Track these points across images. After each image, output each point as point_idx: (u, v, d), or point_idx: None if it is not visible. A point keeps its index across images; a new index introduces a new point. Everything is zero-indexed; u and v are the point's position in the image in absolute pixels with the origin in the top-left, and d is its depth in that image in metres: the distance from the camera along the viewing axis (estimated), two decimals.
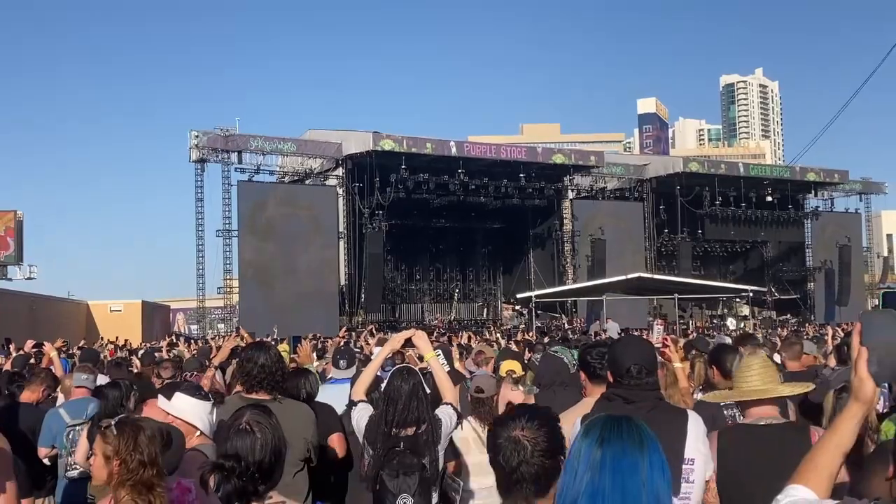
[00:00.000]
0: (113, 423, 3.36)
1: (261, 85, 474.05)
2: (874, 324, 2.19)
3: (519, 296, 38.73)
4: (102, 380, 7.56)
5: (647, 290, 36.83)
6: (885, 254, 66.50)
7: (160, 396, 4.56)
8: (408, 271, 46.11)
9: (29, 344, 11.49)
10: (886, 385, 2.20)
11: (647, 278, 36.00)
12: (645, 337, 13.37)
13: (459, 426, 4.96)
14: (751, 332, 23.05)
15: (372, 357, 10.13)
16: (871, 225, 55.69)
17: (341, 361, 7.24)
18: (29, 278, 38.83)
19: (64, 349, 14.07)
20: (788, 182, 47.70)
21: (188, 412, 4.27)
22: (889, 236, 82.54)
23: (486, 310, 48.26)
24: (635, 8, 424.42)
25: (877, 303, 39.25)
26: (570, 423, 3.36)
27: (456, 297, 47.93)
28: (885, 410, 4.34)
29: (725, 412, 4.96)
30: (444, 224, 44.19)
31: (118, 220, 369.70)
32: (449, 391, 4.80)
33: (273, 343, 7.04)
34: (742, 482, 3.79)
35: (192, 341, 25.00)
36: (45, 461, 6.67)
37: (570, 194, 44.04)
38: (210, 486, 3.03)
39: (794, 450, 3.30)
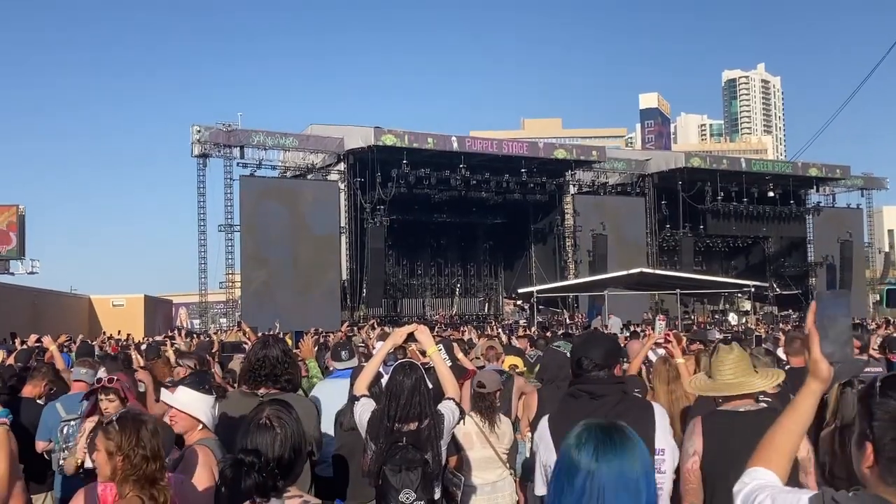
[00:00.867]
0: (114, 417, 3.35)
1: (263, 80, 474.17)
2: (825, 304, 2.23)
3: (520, 291, 38.72)
4: (103, 374, 7.54)
5: (649, 286, 36.84)
6: (887, 249, 66.50)
7: (163, 390, 4.55)
8: (409, 266, 46.14)
9: (32, 338, 11.50)
10: None
11: (648, 273, 36.01)
12: (647, 332, 13.37)
13: (462, 421, 4.95)
14: (752, 328, 23.08)
15: (374, 352, 10.17)
16: (872, 220, 55.65)
17: (342, 353, 7.24)
18: (31, 273, 38.84)
19: (66, 344, 14.04)
20: (790, 177, 47.63)
21: (191, 406, 4.26)
22: (890, 232, 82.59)
23: (487, 305, 48.27)
24: (637, 3, 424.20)
25: (878, 298, 39.24)
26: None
27: (457, 292, 47.95)
28: None
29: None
30: (445, 219, 44.17)
31: (120, 215, 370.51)
32: (451, 386, 4.79)
33: (282, 339, 7.00)
34: (724, 466, 3.81)
35: (195, 336, 24.99)
36: (45, 455, 6.65)
37: (572, 189, 44.04)
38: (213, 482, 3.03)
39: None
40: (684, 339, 8.97)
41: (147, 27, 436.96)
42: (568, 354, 6.34)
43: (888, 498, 1.91)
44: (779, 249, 51.08)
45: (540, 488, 4.00)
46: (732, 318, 36.94)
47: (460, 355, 9.39)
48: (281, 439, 3.10)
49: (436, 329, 24.98)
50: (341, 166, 38.56)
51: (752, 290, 36.92)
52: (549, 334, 17.24)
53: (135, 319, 40.38)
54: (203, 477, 3.88)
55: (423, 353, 5.60)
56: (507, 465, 6.34)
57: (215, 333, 26.34)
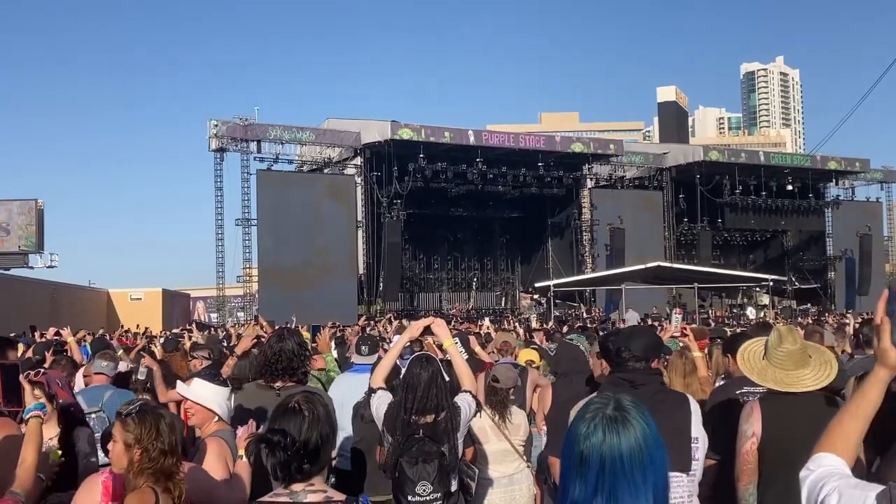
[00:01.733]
0: (133, 409, 3.36)
1: (280, 74, 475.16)
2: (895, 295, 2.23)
3: (537, 285, 38.66)
4: (123, 367, 7.59)
5: (667, 280, 36.70)
6: None
7: (178, 382, 4.58)
8: (426, 260, 46.14)
9: (51, 331, 11.56)
10: None
11: (666, 267, 35.86)
12: (663, 325, 13.34)
13: (478, 414, 4.95)
14: (770, 321, 22.95)
15: (391, 345, 10.19)
16: (892, 214, 55.15)
17: (363, 347, 7.26)
18: (50, 266, 39.06)
19: (83, 339, 14.14)
20: (809, 171, 47.32)
21: (206, 398, 4.28)
22: None
23: (504, 299, 48.22)
24: None
25: None
26: None
27: (474, 286, 47.93)
28: None
29: (742, 399, 4.95)
30: (462, 213, 44.17)
31: (138, 209, 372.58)
32: (468, 379, 4.80)
33: (296, 331, 7.02)
34: (780, 448, 4.00)
35: (211, 329, 25.10)
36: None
37: (589, 183, 43.87)
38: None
39: (825, 414, 3.51)
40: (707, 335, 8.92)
41: (164, 23, 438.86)
42: (581, 348, 6.35)
43: None
44: (797, 243, 50.79)
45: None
46: (750, 311, 36.71)
47: (477, 348, 9.40)
48: (309, 422, 3.11)
49: (452, 323, 25.01)
50: (358, 160, 38.57)
51: (771, 283, 36.76)
52: (566, 328, 17.23)
53: (153, 313, 40.56)
54: (218, 468, 3.89)
55: (440, 347, 5.60)
56: (524, 457, 6.34)
57: (232, 327, 26.50)
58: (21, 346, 10.81)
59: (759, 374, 4.26)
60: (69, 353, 9.18)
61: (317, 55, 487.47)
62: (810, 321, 22.55)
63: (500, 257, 48.76)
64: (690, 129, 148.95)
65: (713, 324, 23.37)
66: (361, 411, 6.00)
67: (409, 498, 4.28)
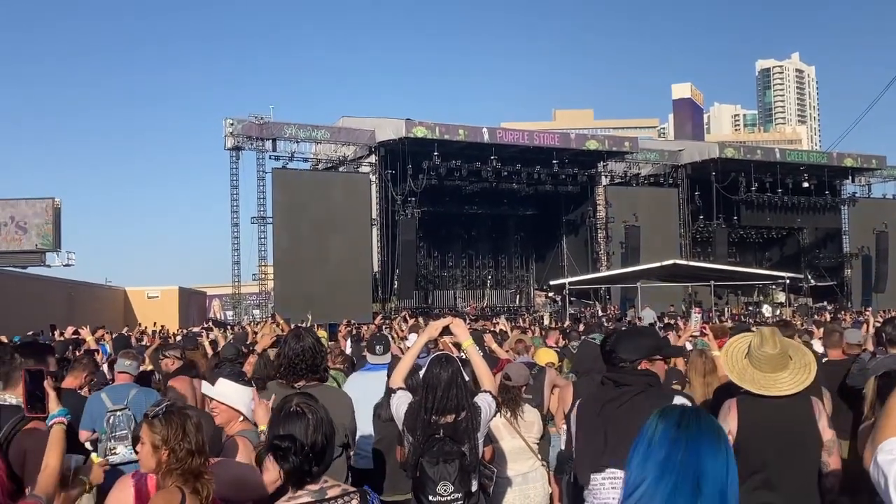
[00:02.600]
0: (160, 410, 3.39)
1: (295, 73, 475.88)
2: None
3: (552, 282, 38.58)
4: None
5: (682, 277, 36.56)
6: None
7: (203, 382, 4.60)
8: (440, 258, 46.15)
9: (70, 330, 11.63)
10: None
11: (682, 265, 35.73)
12: (681, 325, 13.31)
13: (498, 413, 4.97)
14: (786, 319, 22.86)
15: (406, 344, 10.20)
16: None
17: (377, 347, 7.28)
18: (67, 265, 39.27)
19: (102, 338, 14.22)
20: (825, 168, 46.99)
21: (232, 397, 4.31)
22: None
23: (518, 297, 48.17)
24: None
25: None
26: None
27: (488, 284, 47.91)
28: None
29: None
30: (476, 211, 44.15)
31: (155, 208, 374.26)
32: (487, 379, 4.81)
33: (312, 329, 7.05)
34: (758, 444, 4.21)
35: (228, 327, 25.20)
36: (87, 445, 6.74)
37: (604, 180, 43.77)
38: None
39: (802, 415, 4.27)
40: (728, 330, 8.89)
41: (180, 22, 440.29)
42: None
43: None
44: (813, 240, 50.48)
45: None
46: (766, 309, 36.54)
47: (494, 346, 9.40)
48: (313, 425, 3.15)
49: (467, 321, 25.02)
50: (373, 158, 38.59)
51: (787, 281, 36.56)
52: (581, 327, 17.19)
53: (169, 311, 40.76)
54: (245, 467, 3.91)
55: (458, 347, 5.62)
56: (539, 455, 6.34)
57: (248, 325, 26.60)
58: None
59: (738, 373, 4.38)
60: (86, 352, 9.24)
61: (331, 53, 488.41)
62: (829, 319, 22.44)
63: (515, 255, 48.70)
64: (706, 126, 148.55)
65: (730, 322, 23.26)
66: (379, 411, 6.02)
67: (430, 498, 4.29)
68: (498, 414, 4.96)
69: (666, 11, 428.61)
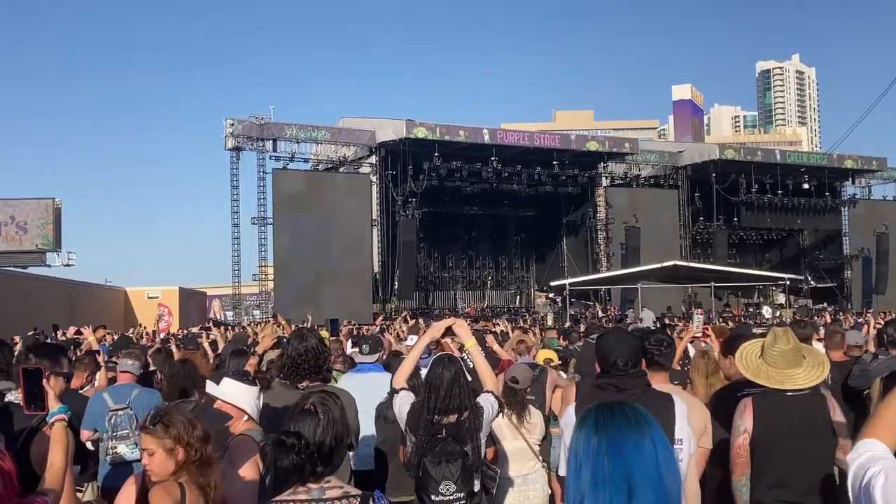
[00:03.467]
0: (156, 418, 3.38)
1: (295, 73, 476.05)
2: None
3: (552, 283, 38.57)
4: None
5: (683, 278, 36.55)
6: None
7: (208, 381, 4.61)
8: (441, 259, 46.16)
9: (71, 330, 11.62)
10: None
11: (682, 266, 35.71)
12: (682, 326, 13.30)
13: (501, 414, 4.97)
14: (786, 321, 22.84)
15: (406, 344, 10.20)
16: None
17: (364, 346, 7.32)
18: (67, 265, 39.24)
19: (104, 338, 14.21)
20: (825, 169, 46.99)
21: (237, 397, 4.31)
22: None
23: (518, 297, 48.19)
24: None
25: None
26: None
27: (489, 285, 47.91)
28: None
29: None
30: (476, 212, 44.16)
31: (155, 208, 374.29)
32: (489, 379, 4.82)
33: (314, 329, 7.04)
34: (773, 442, 4.28)
35: (229, 327, 25.17)
36: (88, 445, 6.75)
37: (604, 182, 43.76)
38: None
39: (816, 414, 4.33)
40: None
41: (180, 23, 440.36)
42: None
43: None
44: (814, 242, 50.48)
45: (562, 470, 4.26)
46: (766, 311, 36.57)
47: (496, 346, 9.41)
48: (323, 425, 3.14)
49: (467, 322, 25.01)
50: (373, 159, 38.59)
51: (787, 282, 36.55)
52: (582, 328, 17.19)
53: (169, 311, 40.73)
54: (249, 467, 3.92)
55: (461, 348, 5.62)
56: (540, 457, 6.34)
57: (249, 325, 26.58)
58: None
59: (753, 372, 4.46)
60: (84, 348, 9.24)
61: (331, 54, 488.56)
62: (830, 321, 22.43)
63: (515, 256, 48.71)
64: (706, 128, 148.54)
65: (731, 323, 23.24)
66: (384, 412, 6.01)
67: (433, 497, 4.30)
68: (500, 415, 4.96)
69: (666, 13, 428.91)
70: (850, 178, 50.09)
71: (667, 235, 42.98)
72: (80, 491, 6.49)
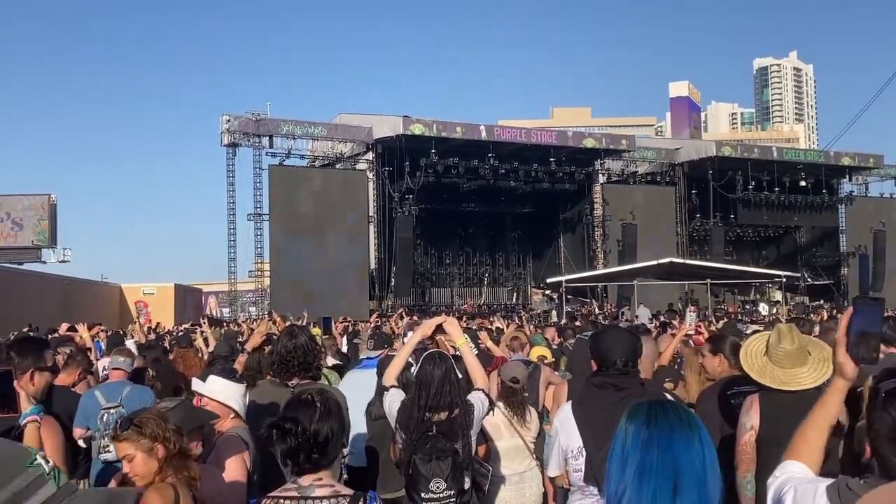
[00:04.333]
0: (126, 423, 3.35)
1: (292, 70, 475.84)
2: (860, 311, 2.45)
3: (549, 280, 38.58)
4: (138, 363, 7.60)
5: (679, 275, 36.56)
6: None
7: (194, 379, 4.58)
8: (437, 255, 46.17)
9: (64, 327, 11.57)
10: None
11: (678, 263, 35.72)
12: (677, 324, 13.26)
13: (491, 412, 4.95)
14: (782, 318, 22.82)
15: (404, 341, 10.17)
16: None
17: (370, 342, 7.32)
18: (63, 261, 39.21)
19: (97, 335, 14.17)
20: (822, 166, 47.06)
21: (223, 394, 4.29)
22: None
23: (515, 294, 48.21)
24: None
25: None
26: None
27: (485, 282, 47.92)
28: None
29: (732, 401, 4.99)
30: (473, 208, 44.15)
31: (151, 204, 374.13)
32: (480, 377, 4.80)
33: (305, 327, 7.03)
34: (780, 439, 4.10)
35: (224, 324, 25.14)
36: (80, 443, 6.71)
37: (601, 178, 43.80)
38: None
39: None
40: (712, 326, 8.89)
41: (177, 18, 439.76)
42: None
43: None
44: (810, 239, 50.53)
45: (553, 470, 4.37)
46: (763, 308, 36.51)
47: (489, 343, 9.38)
48: (321, 414, 3.13)
49: (464, 318, 25.00)
50: (370, 155, 38.57)
51: (784, 280, 36.54)
52: (577, 324, 17.16)
53: (165, 308, 40.72)
54: (236, 464, 3.90)
55: (452, 345, 5.60)
56: (535, 455, 6.33)
57: (244, 322, 26.54)
58: None
59: (758, 370, 4.41)
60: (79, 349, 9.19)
61: (328, 50, 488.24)
62: (826, 318, 22.40)
63: (512, 252, 48.73)
64: (703, 125, 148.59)
65: (722, 321, 23.18)
66: (370, 409, 6.01)
67: (423, 495, 4.27)
68: (491, 412, 4.93)
69: (664, 10, 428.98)
70: (847, 176, 50.11)
71: (663, 232, 43.03)
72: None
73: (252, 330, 13.95)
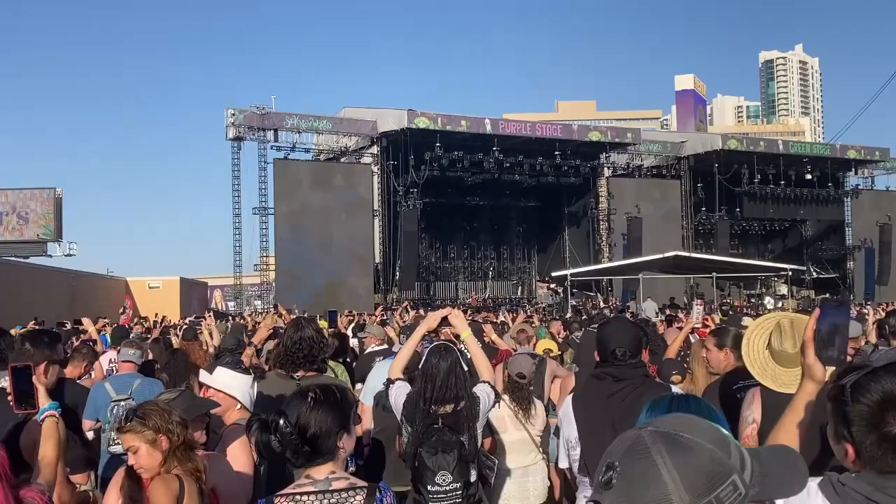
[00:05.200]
0: (130, 416, 3.36)
1: (296, 63, 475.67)
2: (827, 312, 2.47)
3: (554, 274, 38.53)
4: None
5: (684, 269, 36.49)
6: None
7: (201, 370, 4.58)
8: (442, 249, 46.16)
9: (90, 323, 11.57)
10: None
11: (683, 257, 35.65)
12: (683, 316, 13.26)
13: (497, 405, 4.94)
14: (810, 310, 22.78)
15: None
16: None
17: (401, 336, 7.35)
18: (69, 255, 39.20)
19: (104, 328, 14.22)
20: (828, 160, 46.95)
21: (229, 386, 4.28)
22: None
23: (520, 288, 48.20)
24: None
25: None
26: None
27: (490, 276, 47.90)
28: None
29: (738, 395, 4.96)
30: (478, 202, 44.12)
31: (156, 198, 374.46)
32: (486, 370, 4.79)
33: (313, 320, 7.03)
34: None
35: (229, 318, 25.16)
36: (89, 435, 6.72)
37: (607, 172, 43.69)
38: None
39: (822, 402, 3.79)
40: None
41: (182, 12, 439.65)
42: None
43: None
44: (816, 232, 50.45)
45: (563, 462, 4.35)
46: (769, 301, 36.47)
47: (494, 336, 9.38)
48: (309, 409, 3.09)
49: (469, 312, 25.00)
50: (374, 149, 38.55)
51: (789, 273, 36.47)
52: (583, 318, 17.15)
53: (171, 301, 40.75)
54: (243, 456, 3.90)
55: (457, 338, 5.60)
56: (541, 449, 6.33)
57: (249, 315, 26.58)
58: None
59: (760, 368, 4.30)
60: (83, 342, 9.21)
61: (333, 44, 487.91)
62: None
63: (517, 246, 48.69)
64: (708, 118, 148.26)
65: (730, 313, 23.16)
66: (382, 402, 6.00)
67: (429, 488, 4.27)
68: (496, 405, 4.93)
69: (669, 2, 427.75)
70: (853, 169, 49.97)
71: (669, 226, 42.96)
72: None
73: (257, 323, 13.97)
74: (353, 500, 3.03)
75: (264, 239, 37.36)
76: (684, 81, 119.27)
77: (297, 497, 3.02)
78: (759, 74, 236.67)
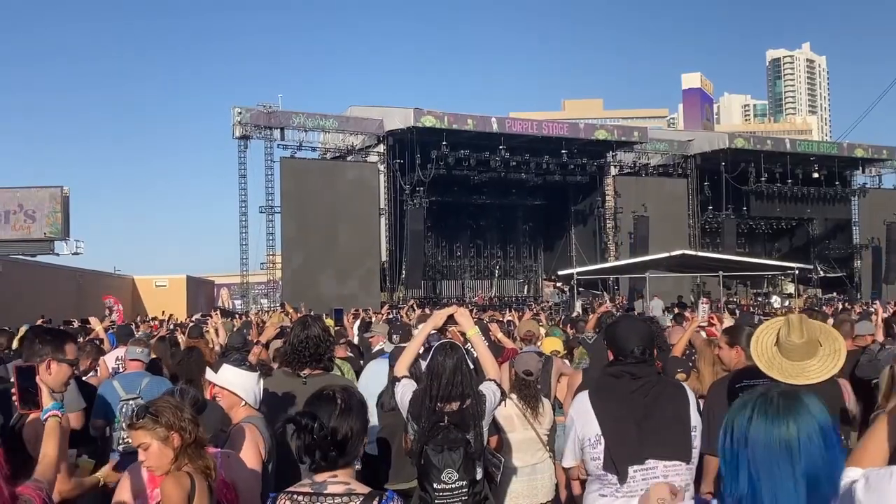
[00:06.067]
0: (141, 413, 3.35)
1: (303, 62, 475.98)
2: None
3: (560, 273, 38.48)
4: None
5: (691, 268, 36.41)
6: None
7: (208, 369, 4.57)
8: (448, 248, 46.17)
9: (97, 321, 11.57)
10: None
11: (690, 255, 35.56)
12: (688, 315, 13.23)
13: (503, 403, 4.93)
14: (818, 309, 22.71)
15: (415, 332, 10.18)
16: None
17: (394, 336, 7.34)
18: (75, 253, 39.24)
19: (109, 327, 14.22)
20: (836, 158, 46.84)
21: (235, 383, 4.28)
22: None
23: (526, 287, 48.19)
24: None
25: None
26: None
27: (496, 274, 47.88)
28: None
29: (741, 393, 4.97)
30: (485, 200, 44.12)
31: (163, 197, 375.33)
32: (492, 368, 4.79)
33: (320, 318, 7.03)
34: None
35: (236, 316, 25.18)
36: (97, 432, 6.72)
37: (613, 171, 43.67)
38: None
39: (830, 401, 3.91)
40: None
41: (189, 12, 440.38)
42: None
43: None
44: (823, 231, 50.35)
45: (568, 461, 4.28)
46: (776, 300, 36.35)
47: (500, 335, 9.37)
48: (341, 411, 3.12)
49: (474, 311, 24.99)
50: (381, 148, 38.58)
51: (796, 272, 36.36)
52: (590, 317, 17.09)
53: (177, 300, 40.83)
54: (250, 454, 3.90)
55: (464, 336, 5.60)
56: (548, 447, 6.33)
57: (255, 314, 26.60)
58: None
59: (767, 361, 4.34)
60: (89, 340, 9.22)
61: (340, 42, 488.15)
62: (840, 310, 22.31)
63: (523, 245, 48.69)
64: (715, 116, 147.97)
65: (737, 312, 23.11)
66: (381, 400, 6.01)
67: (435, 485, 4.26)
68: (503, 403, 4.93)
69: (676, 1, 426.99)
70: (861, 167, 49.89)
71: (675, 224, 42.88)
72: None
73: (263, 322, 13.97)
74: None
75: (271, 237, 37.48)
76: (691, 80, 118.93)
77: (294, 495, 3.05)
78: (766, 73, 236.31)
